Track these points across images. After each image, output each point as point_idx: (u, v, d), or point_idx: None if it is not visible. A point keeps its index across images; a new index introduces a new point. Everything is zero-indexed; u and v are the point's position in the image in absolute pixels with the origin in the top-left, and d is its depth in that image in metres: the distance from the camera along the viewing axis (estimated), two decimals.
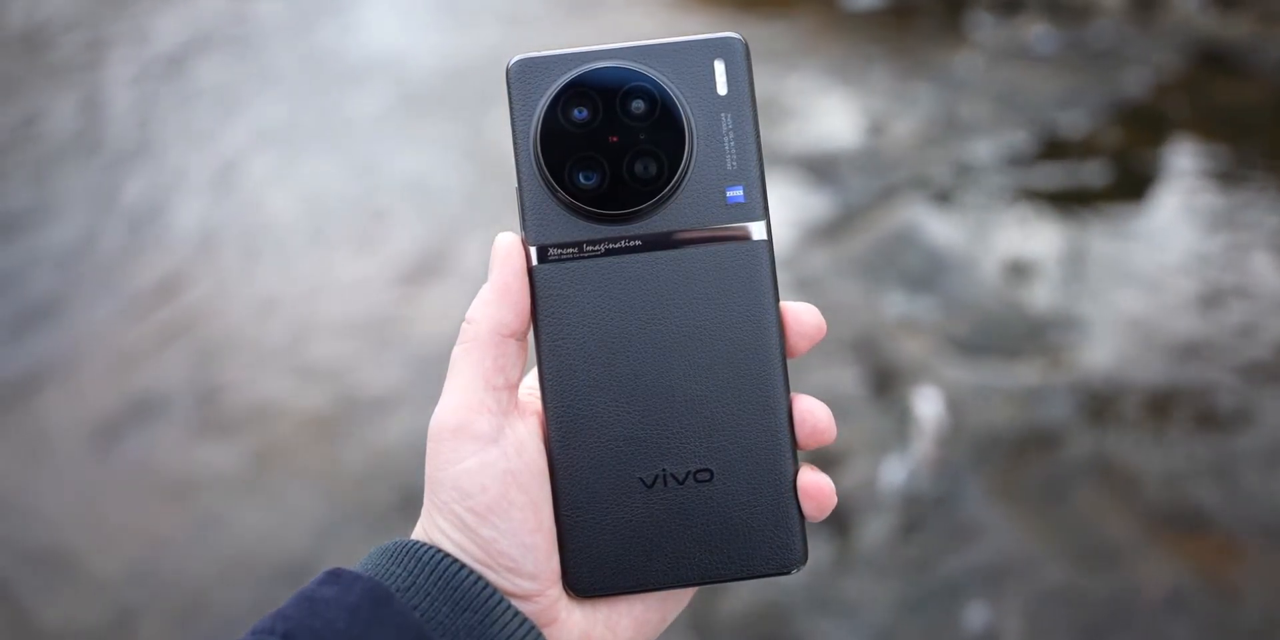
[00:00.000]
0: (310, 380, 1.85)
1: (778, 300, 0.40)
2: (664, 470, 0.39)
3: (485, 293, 0.40)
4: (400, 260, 2.10)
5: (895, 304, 1.90)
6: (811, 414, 0.40)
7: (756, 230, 0.39)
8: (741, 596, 1.47)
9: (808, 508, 0.40)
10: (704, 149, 0.40)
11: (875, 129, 2.37)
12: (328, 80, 2.65)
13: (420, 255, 2.10)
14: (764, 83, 2.50)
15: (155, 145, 2.47)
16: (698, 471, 0.39)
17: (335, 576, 0.37)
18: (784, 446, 0.40)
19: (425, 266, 2.07)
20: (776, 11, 2.80)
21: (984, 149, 2.28)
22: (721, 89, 0.40)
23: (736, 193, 0.40)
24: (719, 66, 0.40)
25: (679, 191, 0.39)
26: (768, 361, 0.39)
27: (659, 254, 0.39)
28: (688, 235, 0.39)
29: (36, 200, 2.33)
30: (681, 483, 0.39)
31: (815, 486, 0.40)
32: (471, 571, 0.38)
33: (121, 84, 2.68)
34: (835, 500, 0.40)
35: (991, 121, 2.37)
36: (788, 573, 0.40)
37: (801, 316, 0.40)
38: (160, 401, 1.83)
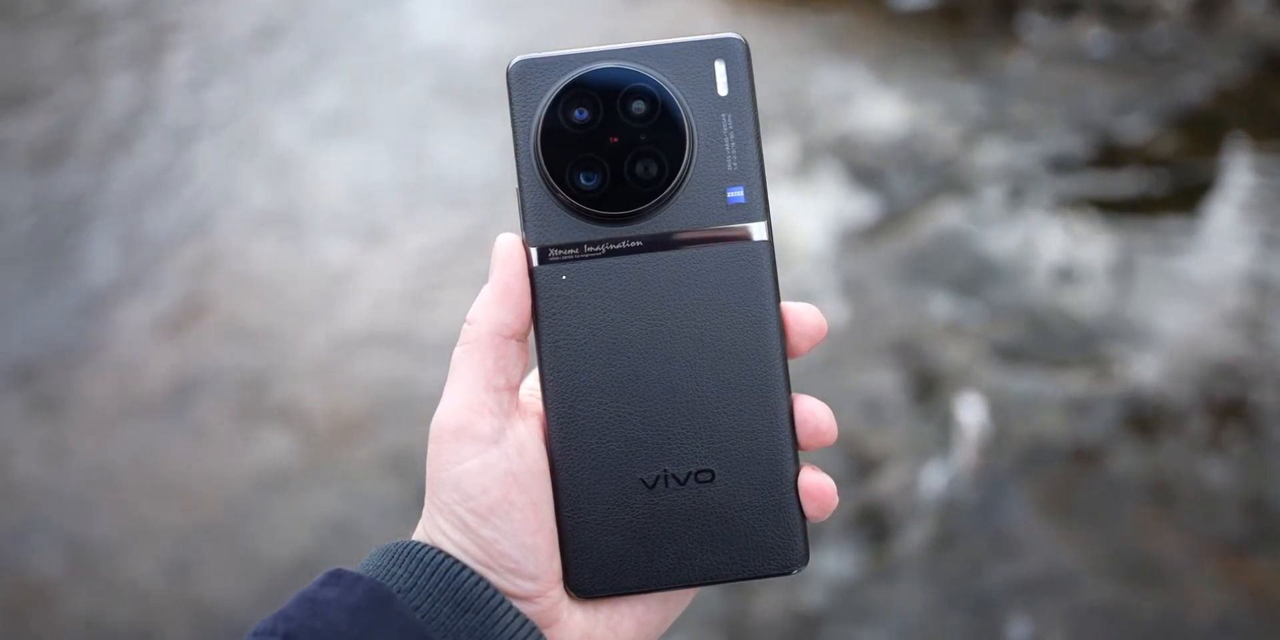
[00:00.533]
0: (347, 370, 1.87)
1: (779, 301, 0.40)
2: (665, 471, 0.39)
3: (486, 293, 0.40)
4: (441, 250, 2.11)
5: (939, 308, 1.88)
6: (813, 415, 0.40)
7: (757, 231, 0.39)
8: (775, 601, 1.46)
9: (809, 508, 0.40)
10: (705, 150, 0.40)
11: (921, 129, 2.34)
12: (380, 69, 2.68)
13: (462, 246, 2.11)
14: (807, 80, 2.47)
15: (208, 130, 2.51)
16: (699, 472, 0.39)
17: (336, 577, 0.37)
18: (785, 447, 0.40)
19: (465, 259, 2.07)
20: (822, 8, 2.77)
21: (1034, 153, 2.24)
22: (722, 89, 0.39)
23: (737, 193, 0.40)
24: (719, 67, 0.40)
25: (680, 192, 0.39)
26: (769, 362, 0.39)
27: (660, 255, 0.39)
28: (688, 236, 0.39)
29: (94, 182, 2.37)
30: (683, 483, 0.39)
31: (817, 487, 0.40)
32: (473, 572, 0.38)
33: (179, 69, 2.72)
34: (837, 501, 0.40)
35: (1042, 125, 2.33)
36: (789, 573, 0.40)
37: (802, 317, 0.40)
38: (200, 388, 1.86)
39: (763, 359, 0.39)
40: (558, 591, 0.39)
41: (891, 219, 2.10)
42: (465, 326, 0.40)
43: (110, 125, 2.54)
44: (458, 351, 0.39)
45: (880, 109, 2.40)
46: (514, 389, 0.39)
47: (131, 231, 2.23)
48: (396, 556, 0.38)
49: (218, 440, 1.79)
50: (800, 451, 0.40)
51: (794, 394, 0.40)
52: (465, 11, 2.89)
